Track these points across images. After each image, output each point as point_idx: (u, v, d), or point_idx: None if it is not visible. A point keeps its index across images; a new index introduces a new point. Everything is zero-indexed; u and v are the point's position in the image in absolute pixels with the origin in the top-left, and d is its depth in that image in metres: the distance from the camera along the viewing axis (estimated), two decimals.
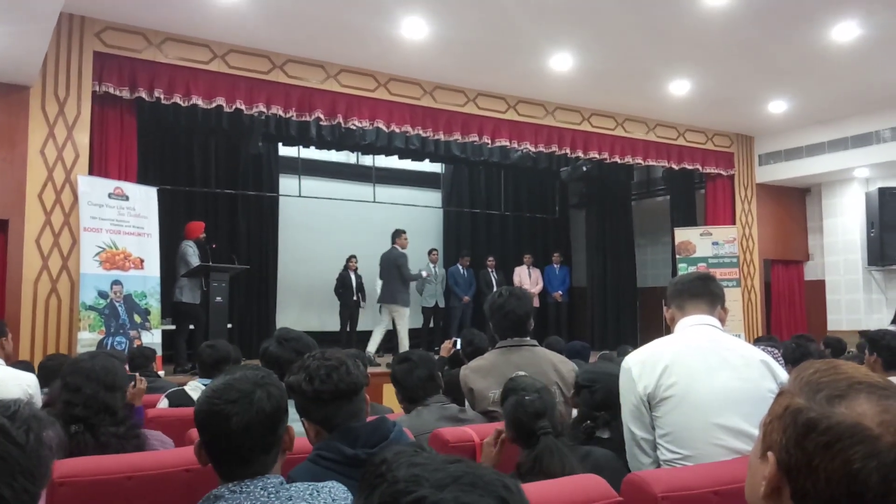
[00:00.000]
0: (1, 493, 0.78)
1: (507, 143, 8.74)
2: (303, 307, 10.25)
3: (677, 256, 10.47)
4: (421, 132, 8.20)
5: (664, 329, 8.42)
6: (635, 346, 7.56)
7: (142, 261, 6.68)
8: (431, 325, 10.45)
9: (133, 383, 2.44)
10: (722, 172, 10.42)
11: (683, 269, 10.35)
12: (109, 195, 6.48)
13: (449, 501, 0.67)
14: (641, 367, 2.15)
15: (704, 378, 2.08)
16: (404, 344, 8.46)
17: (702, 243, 10.35)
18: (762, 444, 0.89)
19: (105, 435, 2.11)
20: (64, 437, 2.31)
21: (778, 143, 10.40)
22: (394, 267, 8.66)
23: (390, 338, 9.11)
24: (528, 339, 2.96)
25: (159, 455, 2.04)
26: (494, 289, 9.59)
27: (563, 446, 2.01)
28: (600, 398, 2.37)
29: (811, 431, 0.80)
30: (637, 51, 7.19)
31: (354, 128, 8.02)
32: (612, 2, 6.10)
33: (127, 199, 6.61)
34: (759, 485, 0.87)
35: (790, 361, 4.25)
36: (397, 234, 8.95)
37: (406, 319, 8.72)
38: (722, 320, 2.28)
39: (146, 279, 6.72)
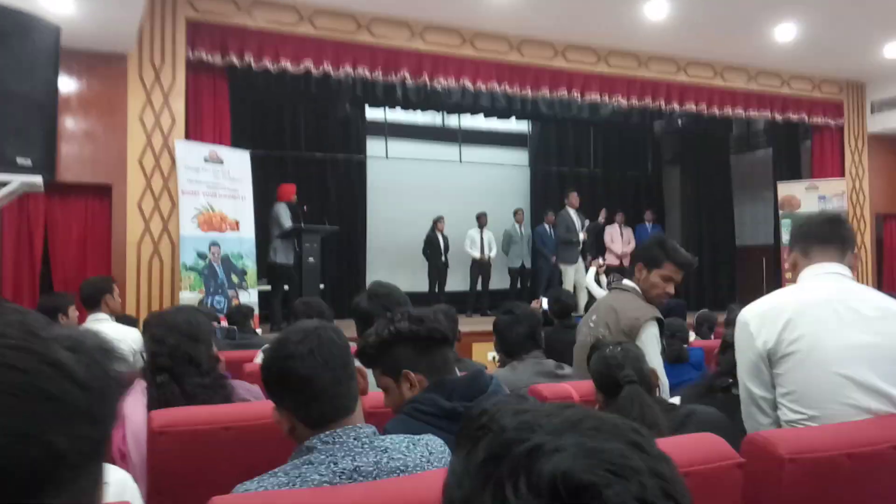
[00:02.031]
0: (55, 444, 0.55)
1: (598, 98, 8.43)
2: (392, 268, 10.32)
3: (780, 212, 9.94)
4: (508, 89, 8.01)
5: (765, 289, 8.02)
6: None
7: (237, 223, 6.85)
8: (519, 285, 10.35)
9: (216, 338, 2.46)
10: (830, 122, 9.75)
11: (787, 225, 9.82)
12: (205, 159, 6.65)
13: (570, 447, 0.56)
14: (761, 321, 1.98)
15: (834, 332, 1.89)
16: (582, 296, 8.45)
17: (808, 198, 9.76)
18: None
19: (191, 385, 2.12)
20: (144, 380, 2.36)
21: (892, 90, 9.62)
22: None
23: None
24: (629, 283, 2.89)
25: (252, 407, 2.04)
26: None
27: (648, 397, 1.90)
28: None
29: None
30: None
31: (440, 87, 7.91)
32: None
33: (222, 162, 6.77)
34: None
35: None
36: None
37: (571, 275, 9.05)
38: (852, 267, 2.07)
39: (242, 241, 6.89)
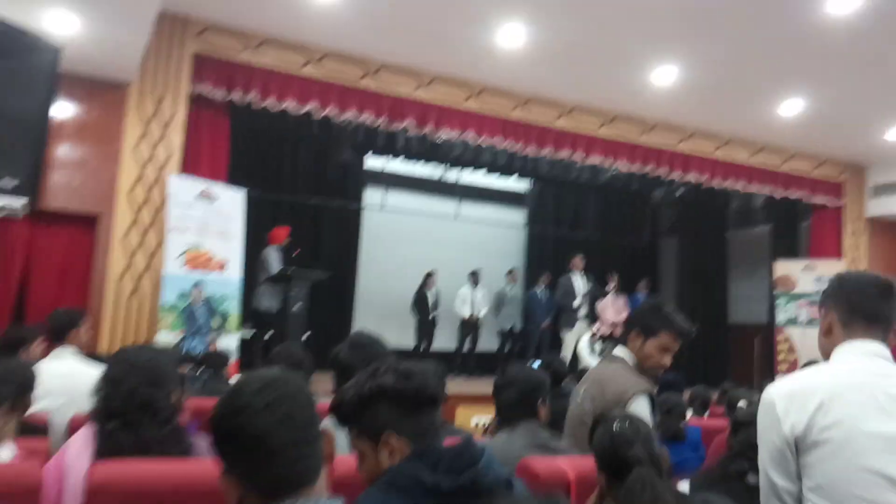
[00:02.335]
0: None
1: (601, 162, 8.37)
2: (380, 320, 10.04)
3: (775, 291, 9.79)
4: (512, 145, 7.94)
5: (755, 370, 7.80)
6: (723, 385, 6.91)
7: (224, 263, 6.64)
8: (507, 348, 10.10)
9: (181, 387, 2.22)
10: (829, 203, 9.71)
11: (782, 304, 9.68)
12: (197, 196, 6.47)
13: None
14: (789, 402, 1.76)
15: (874, 421, 1.67)
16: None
17: (804, 278, 9.63)
18: None
19: (146, 435, 1.89)
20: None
21: (893, 175, 9.62)
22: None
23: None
24: (622, 352, 2.66)
25: (212, 467, 1.80)
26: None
27: (659, 481, 1.69)
28: None
29: None
30: (749, 64, 6.73)
31: (443, 139, 7.84)
32: (727, 9, 5.70)
33: (215, 200, 6.59)
34: None
35: None
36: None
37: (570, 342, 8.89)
38: (891, 347, 1.86)
39: (227, 282, 6.67)
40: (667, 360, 2.60)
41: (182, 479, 1.68)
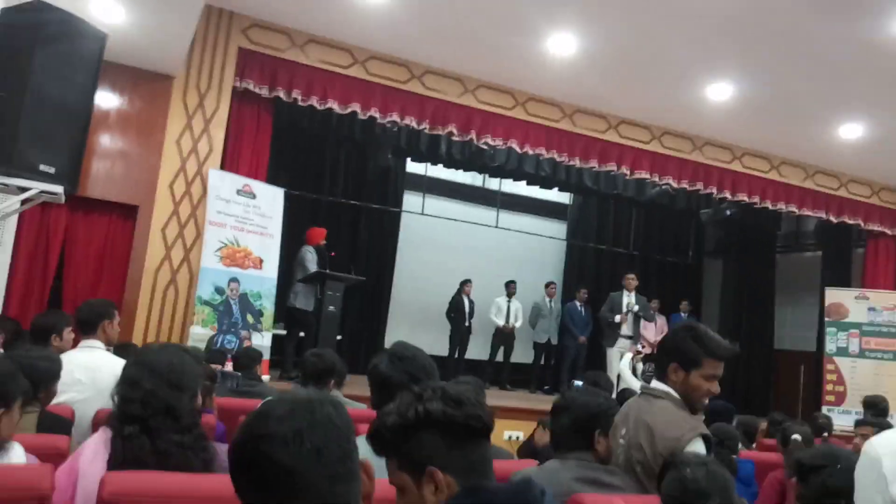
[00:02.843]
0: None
1: (648, 176, 8.12)
2: (413, 326, 9.94)
3: (826, 319, 9.41)
4: (556, 156, 7.75)
5: (800, 399, 7.47)
6: (766, 413, 6.64)
7: (261, 261, 6.57)
8: (542, 361, 9.88)
9: (207, 389, 2.08)
10: (886, 231, 9.32)
11: (832, 333, 9.30)
12: (238, 192, 6.42)
13: None
14: None
15: None
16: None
17: (856, 307, 9.24)
18: None
19: (166, 442, 1.75)
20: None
21: None
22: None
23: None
24: (667, 388, 2.34)
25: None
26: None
27: None
28: (840, 483, 1.83)
29: None
30: (807, 84, 6.46)
31: (486, 147, 7.69)
32: (787, 26, 5.45)
33: (254, 197, 6.53)
34: None
35: None
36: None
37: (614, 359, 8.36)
38: None
39: (263, 280, 6.60)
40: (715, 387, 2.34)
41: (204, 495, 1.54)
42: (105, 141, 6.09)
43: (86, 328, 3.30)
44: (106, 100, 6.01)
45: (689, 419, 2.26)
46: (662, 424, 2.19)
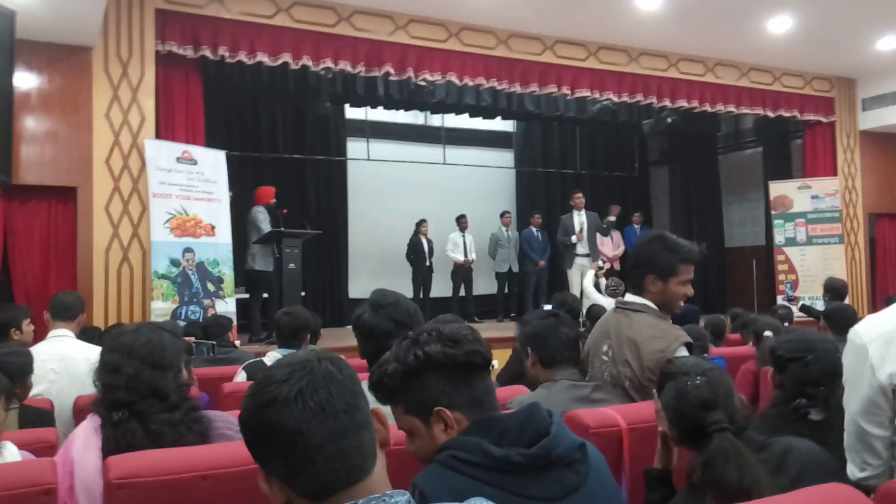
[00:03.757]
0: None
1: (589, 94, 8.13)
2: (374, 273, 9.95)
3: (773, 212, 9.72)
4: (496, 85, 7.68)
5: (755, 293, 7.77)
6: (723, 310, 6.89)
7: (213, 227, 6.44)
8: (506, 290, 10.02)
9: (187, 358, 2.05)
10: (822, 119, 9.56)
11: (779, 225, 9.62)
12: (178, 159, 6.23)
13: None
14: (885, 346, 1.55)
15: None
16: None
17: (800, 197, 9.55)
18: None
19: (157, 423, 1.73)
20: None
21: (883, 86, 9.45)
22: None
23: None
24: (644, 300, 2.40)
25: (237, 448, 1.64)
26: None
27: (744, 448, 1.55)
28: (817, 371, 1.91)
29: None
30: None
31: (425, 83, 7.56)
32: None
33: (195, 163, 6.35)
34: None
35: None
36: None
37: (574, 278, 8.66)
38: None
39: (218, 246, 6.48)
40: (690, 290, 2.42)
41: (209, 465, 1.53)
42: (31, 124, 5.80)
43: (60, 317, 3.24)
44: (25, 81, 5.70)
45: (672, 329, 2.34)
46: (647, 338, 2.25)
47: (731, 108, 8.94)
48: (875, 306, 9.03)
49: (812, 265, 9.33)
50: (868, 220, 9.76)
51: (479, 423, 1.28)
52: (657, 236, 2.46)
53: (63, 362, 3.01)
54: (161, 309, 5.98)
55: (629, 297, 2.45)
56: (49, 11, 5.19)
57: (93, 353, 2.92)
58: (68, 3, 5.15)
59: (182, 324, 5.39)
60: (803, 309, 7.19)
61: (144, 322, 3.53)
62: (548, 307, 4.97)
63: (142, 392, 1.75)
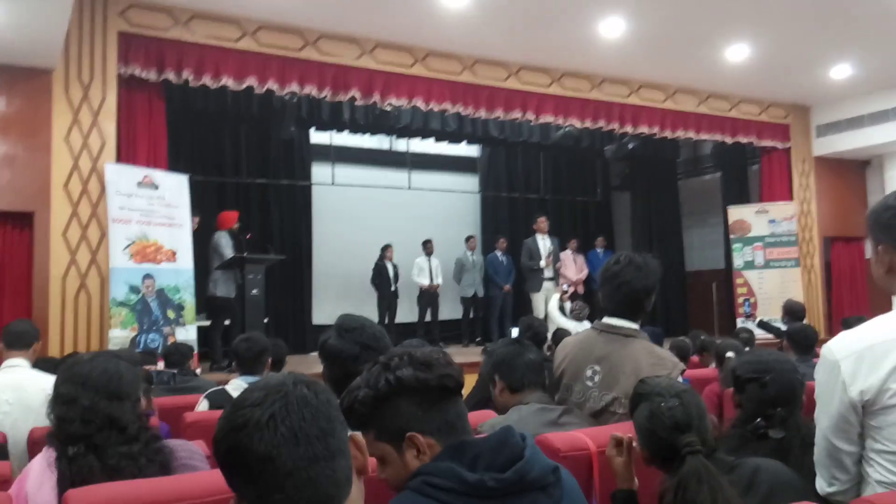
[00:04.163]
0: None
1: (552, 120, 8.24)
2: (339, 298, 9.86)
3: (731, 236, 9.91)
4: (461, 110, 7.75)
5: (715, 315, 7.87)
6: (684, 333, 6.93)
7: (174, 253, 6.33)
8: (471, 315, 10.01)
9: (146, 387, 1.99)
10: (778, 145, 9.82)
11: (738, 249, 9.81)
12: (138, 184, 6.13)
13: None
14: (857, 363, 1.56)
15: None
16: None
17: (758, 221, 9.76)
18: None
19: (114, 456, 1.67)
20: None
21: (837, 113, 9.75)
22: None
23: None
24: (633, 325, 2.37)
25: (200, 479, 1.60)
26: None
27: (715, 470, 1.55)
28: (774, 392, 1.93)
29: None
30: (694, 11, 6.65)
31: (390, 108, 7.59)
32: None
33: (157, 187, 6.25)
34: None
35: None
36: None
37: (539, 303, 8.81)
38: None
39: (179, 272, 6.36)
40: None
41: (172, 497, 1.48)
42: None
43: (11, 346, 3.13)
44: None
45: (668, 355, 2.34)
46: (648, 367, 2.20)
47: (691, 134, 9.13)
48: (832, 329, 9.22)
49: (770, 288, 9.51)
50: (823, 243, 10.01)
51: (452, 447, 1.26)
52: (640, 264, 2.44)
53: (17, 393, 2.91)
54: (119, 337, 5.84)
55: (620, 322, 2.38)
56: (8, 33, 5.10)
57: (48, 383, 2.81)
58: (29, 24, 5.06)
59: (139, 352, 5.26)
60: (761, 325, 7.32)
61: (101, 351, 3.43)
62: (515, 331, 4.97)
63: (98, 424, 1.69)
